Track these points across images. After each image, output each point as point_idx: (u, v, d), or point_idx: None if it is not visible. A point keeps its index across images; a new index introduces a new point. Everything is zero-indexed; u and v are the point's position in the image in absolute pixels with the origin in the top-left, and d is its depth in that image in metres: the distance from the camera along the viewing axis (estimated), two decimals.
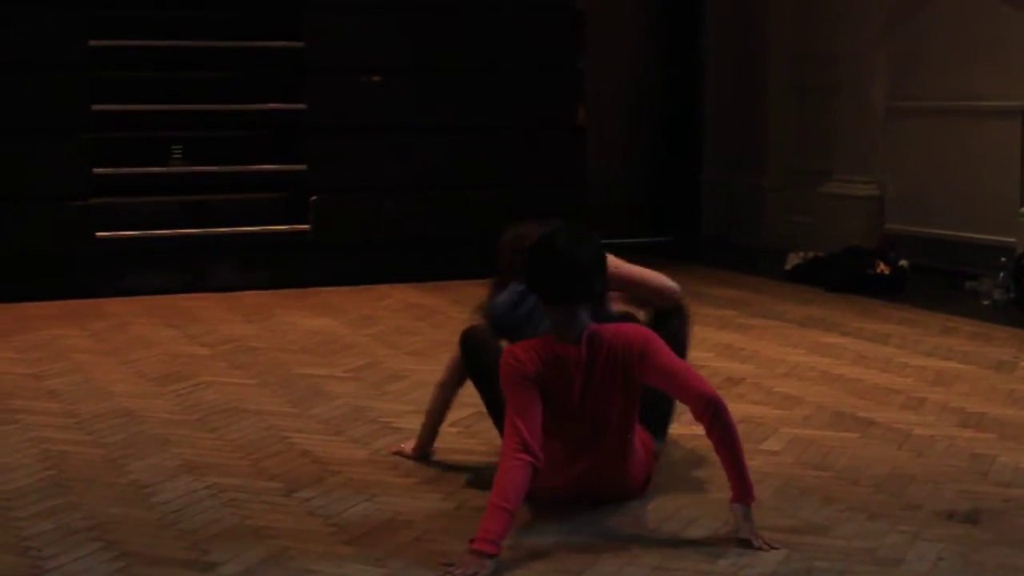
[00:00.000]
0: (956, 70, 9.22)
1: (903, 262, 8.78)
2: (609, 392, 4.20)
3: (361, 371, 6.36)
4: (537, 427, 4.04)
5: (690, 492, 4.47)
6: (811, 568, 3.79)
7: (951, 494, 4.44)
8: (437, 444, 4.98)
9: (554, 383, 4.16)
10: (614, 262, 4.56)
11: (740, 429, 4.14)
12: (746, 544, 3.95)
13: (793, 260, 9.10)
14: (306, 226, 8.98)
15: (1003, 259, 8.15)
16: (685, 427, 4.88)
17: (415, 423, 5.33)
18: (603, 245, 4.27)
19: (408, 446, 4.94)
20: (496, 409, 4.55)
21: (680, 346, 4.64)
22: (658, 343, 4.22)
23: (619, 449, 4.28)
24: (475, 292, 8.62)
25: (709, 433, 4.08)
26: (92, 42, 8.56)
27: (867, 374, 6.21)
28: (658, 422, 4.71)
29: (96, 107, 8.58)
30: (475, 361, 4.73)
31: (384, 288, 8.81)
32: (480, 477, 4.58)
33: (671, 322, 4.75)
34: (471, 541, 3.82)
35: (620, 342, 4.20)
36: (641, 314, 4.80)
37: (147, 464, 4.81)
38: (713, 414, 4.05)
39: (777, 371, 6.31)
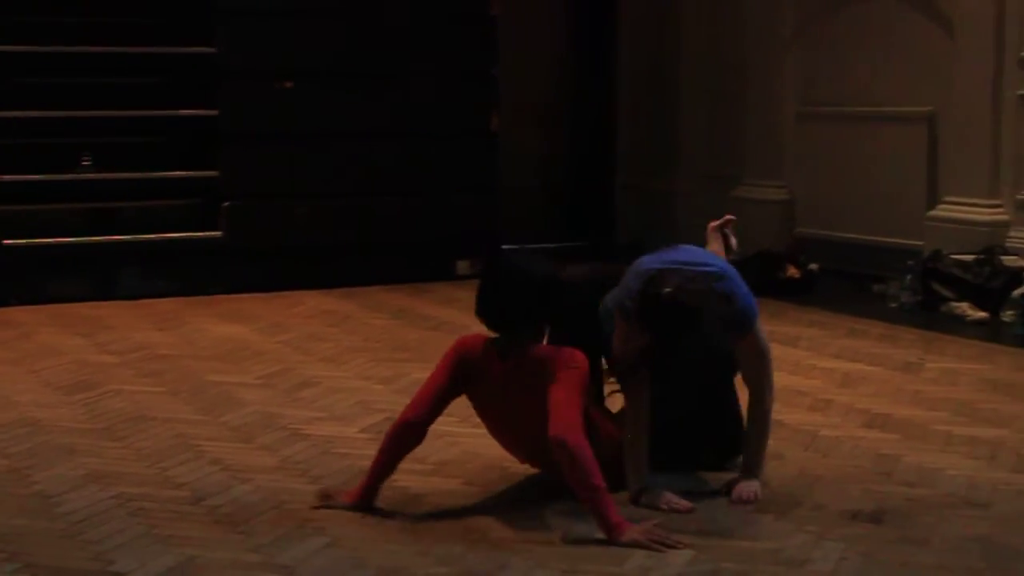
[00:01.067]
0: (864, 76, 9.34)
1: (813, 265, 8.88)
2: (527, 402, 4.26)
3: (272, 378, 6.32)
4: (430, 395, 4.43)
5: None
6: (718, 570, 3.82)
7: (856, 494, 4.49)
8: (346, 450, 4.96)
9: (473, 370, 4.40)
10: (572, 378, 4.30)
11: None
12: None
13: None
14: (218, 233, 8.92)
15: (910, 262, 8.26)
16: None
17: (326, 430, 5.33)
18: (550, 279, 4.34)
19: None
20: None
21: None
22: (582, 372, 4.22)
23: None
24: (387, 298, 8.65)
25: None
26: None
27: (776, 376, 6.22)
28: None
29: (2, 114, 8.47)
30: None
31: (296, 295, 8.77)
32: (390, 485, 4.56)
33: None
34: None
35: (551, 356, 4.27)
36: None
37: (52, 474, 4.75)
38: (556, 449, 4.06)
39: None
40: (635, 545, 3.96)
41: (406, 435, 4.41)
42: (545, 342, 4.49)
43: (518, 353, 4.34)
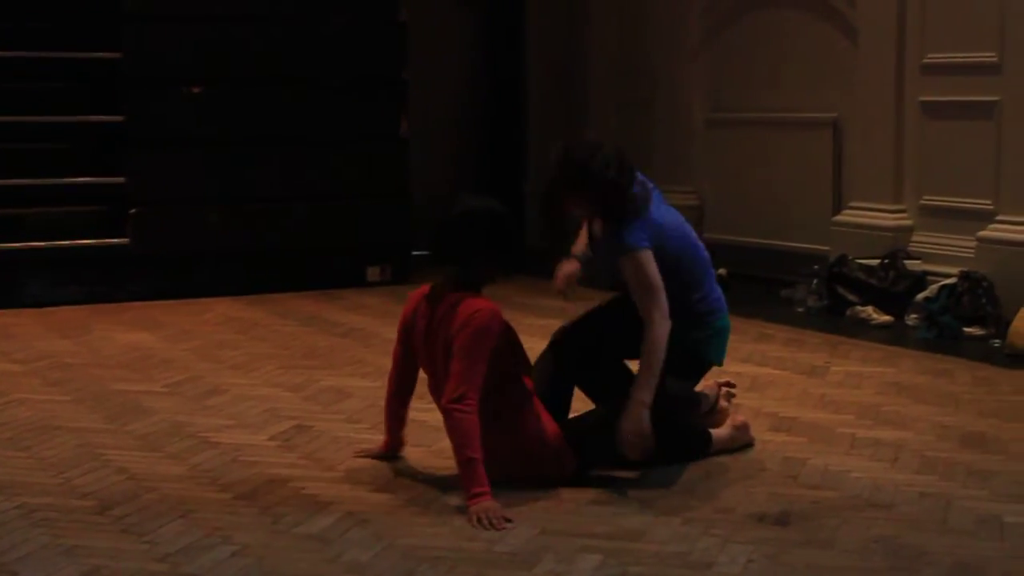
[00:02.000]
0: (770, 83, 9.45)
1: (721, 270, 8.93)
2: (436, 351, 4.49)
3: (180, 386, 6.27)
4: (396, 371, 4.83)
5: (505, 503, 4.48)
6: (625, 573, 3.84)
7: (762, 497, 4.53)
8: (255, 458, 4.94)
9: (412, 329, 4.66)
10: (642, 264, 4.71)
11: None
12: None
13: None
14: (125, 239, 8.83)
15: (816, 267, 8.37)
16: None
17: (235, 437, 5.30)
18: (511, 229, 4.61)
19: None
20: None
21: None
22: (477, 332, 4.37)
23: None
24: (297, 305, 8.61)
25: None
26: None
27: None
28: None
29: None
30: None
31: (205, 302, 8.71)
32: (298, 493, 4.55)
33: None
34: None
35: (460, 311, 4.43)
36: None
37: None
38: (444, 417, 4.39)
39: None
40: (470, 520, 4.22)
41: (395, 388, 4.87)
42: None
43: (448, 298, 4.50)
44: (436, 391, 4.59)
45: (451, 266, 4.59)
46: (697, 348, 4.97)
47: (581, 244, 5.20)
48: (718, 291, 5.05)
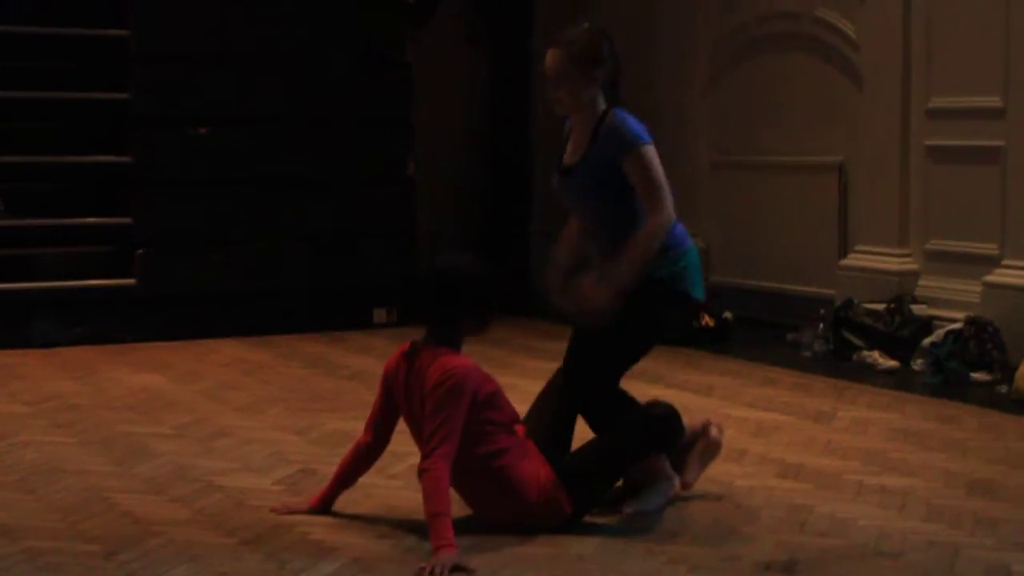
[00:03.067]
0: (776, 126, 9.47)
1: (727, 314, 8.96)
2: (415, 408, 4.53)
3: (186, 428, 6.27)
4: (372, 417, 4.77)
5: (507, 553, 4.47)
6: None
7: (769, 545, 4.52)
8: (261, 502, 4.94)
9: (393, 386, 4.66)
10: (650, 159, 4.77)
11: None
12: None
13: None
14: (131, 280, 8.84)
15: (822, 311, 8.36)
16: None
17: (241, 481, 5.30)
18: (484, 286, 4.60)
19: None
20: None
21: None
22: (449, 391, 4.39)
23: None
24: (303, 347, 8.61)
25: None
26: None
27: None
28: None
29: None
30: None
31: (211, 343, 8.72)
32: (303, 538, 4.54)
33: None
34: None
35: (433, 370, 4.46)
36: None
37: None
38: (419, 475, 4.40)
39: None
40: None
41: (358, 456, 4.82)
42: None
43: (423, 356, 4.52)
44: (420, 446, 4.60)
45: (426, 325, 4.61)
46: (675, 283, 4.87)
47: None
48: (680, 225, 4.97)
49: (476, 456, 4.47)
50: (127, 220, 8.89)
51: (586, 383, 4.89)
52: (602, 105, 4.91)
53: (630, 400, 4.94)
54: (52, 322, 8.66)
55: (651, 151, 4.80)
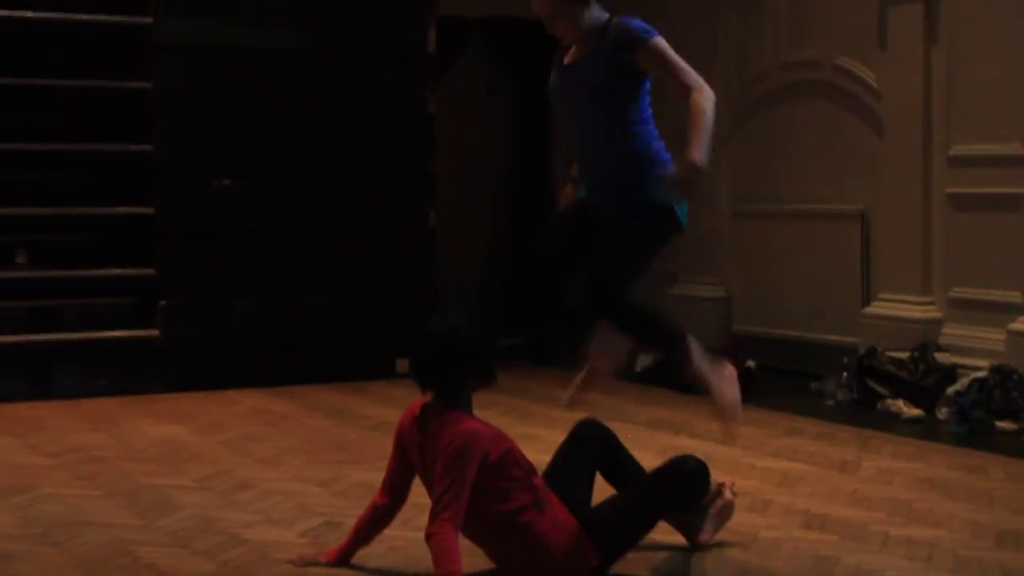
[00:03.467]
0: (797, 175, 9.48)
1: (750, 363, 8.93)
2: (430, 469, 4.48)
3: (209, 480, 6.27)
4: (388, 477, 4.74)
5: None
6: None
7: None
8: (285, 555, 4.93)
9: (407, 445, 4.62)
10: (667, 46, 4.78)
11: None
12: None
13: (643, 362, 9.20)
14: (154, 331, 8.87)
15: (845, 359, 8.34)
16: None
17: (265, 533, 5.29)
18: (483, 341, 4.56)
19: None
20: None
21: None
22: (456, 454, 4.36)
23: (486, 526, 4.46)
24: (325, 397, 8.61)
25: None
26: None
27: (714, 476, 6.26)
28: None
29: None
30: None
31: (233, 393, 8.73)
32: None
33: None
34: None
35: (442, 436, 4.42)
36: None
37: None
38: (426, 539, 4.35)
39: None
40: None
41: (374, 516, 4.78)
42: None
43: (433, 422, 4.49)
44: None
45: (432, 390, 4.58)
46: (663, 189, 4.84)
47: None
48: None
49: (498, 513, 4.45)
50: (150, 271, 8.91)
51: (613, 287, 4.89)
52: (602, 15, 4.91)
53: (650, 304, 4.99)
54: (75, 373, 8.68)
55: (664, 42, 4.79)
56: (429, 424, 4.51)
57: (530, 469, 4.62)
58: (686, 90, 4.74)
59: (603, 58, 4.84)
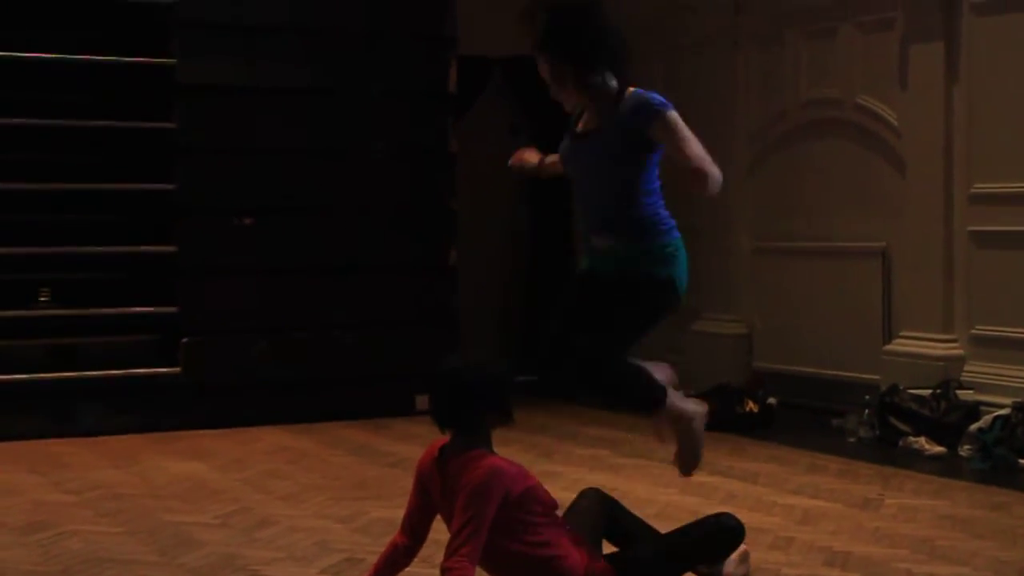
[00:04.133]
0: (819, 212, 9.48)
1: (771, 400, 8.92)
2: (453, 509, 4.41)
3: (231, 517, 6.27)
4: (407, 517, 4.62)
5: None
6: None
7: None
8: None
9: (428, 485, 4.55)
10: (679, 120, 4.74)
11: None
12: None
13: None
14: (177, 368, 8.90)
15: (867, 397, 8.32)
16: None
17: (286, 570, 5.29)
18: (499, 380, 4.50)
19: None
20: None
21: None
22: (475, 492, 4.32)
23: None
24: (346, 434, 8.62)
25: None
26: None
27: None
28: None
29: None
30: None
31: (255, 431, 8.74)
32: None
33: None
34: None
35: (463, 474, 4.38)
36: None
37: None
38: (442, 574, 4.27)
39: (648, 511, 6.27)
40: None
41: (393, 556, 4.67)
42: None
43: (452, 463, 4.44)
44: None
45: (450, 431, 4.54)
46: (667, 261, 4.85)
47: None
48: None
49: (525, 544, 4.41)
50: (173, 309, 8.95)
51: (602, 366, 4.85)
52: (612, 84, 4.86)
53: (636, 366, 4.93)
54: (98, 411, 8.71)
55: (677, 115, 4.76)
56: (448, 465, 4.47)
57: (552, 505, 4.61)
58: (690, 158, 4.69)
59: (618, 130, 4.81)
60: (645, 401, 4.99)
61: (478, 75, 10.87)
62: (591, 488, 5.04)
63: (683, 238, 4.96)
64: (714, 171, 4.67)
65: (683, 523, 4.94)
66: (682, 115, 4.84)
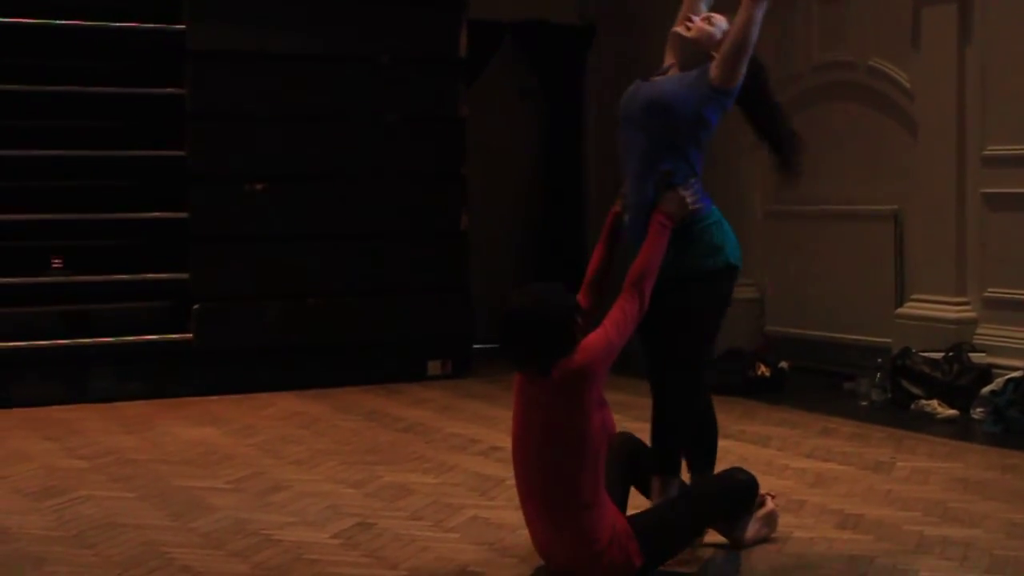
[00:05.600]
0: (831, 176, 9.43)
1: (783, 363, 8.91)
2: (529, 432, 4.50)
3: (243, 482, 6.29)
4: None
5: None
6: None
7: None
8: (317, 556, 4.94)
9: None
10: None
11: None
12: None
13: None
14: (189, 335, 8.90)
15: (879, 360, 8.31)
16: None
17: (298, 535, 5.30)
18: (567, 312, 4.50)
19: None
20: None
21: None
22: (592, 377, 4.44)
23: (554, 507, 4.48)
24: (358, 399, 8.64)
25: None
26: None
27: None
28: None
29: None
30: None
31: (267, 396, 8.75)
32: None
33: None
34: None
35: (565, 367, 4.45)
36: None
37: None
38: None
39: None
40: None
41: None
42: None
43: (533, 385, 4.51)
44: (526, 483, 4.59)
45: (520, 367, 4.55)
46: (713, 238, 4.98)
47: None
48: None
49: (561, 497, 4.47)
50: (184, 276, 8.95)
51: (685, 377, 4.95)
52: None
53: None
54: (110, 377, 8.73)
55: None
56: (535, 381, 4.51)
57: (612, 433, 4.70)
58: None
59: (681, 82, 4.97)
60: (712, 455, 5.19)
61: (489, 39, 10.83)
62: (623, 432, 5.03)
63: None
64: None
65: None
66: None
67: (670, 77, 5.06)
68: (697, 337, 4.96)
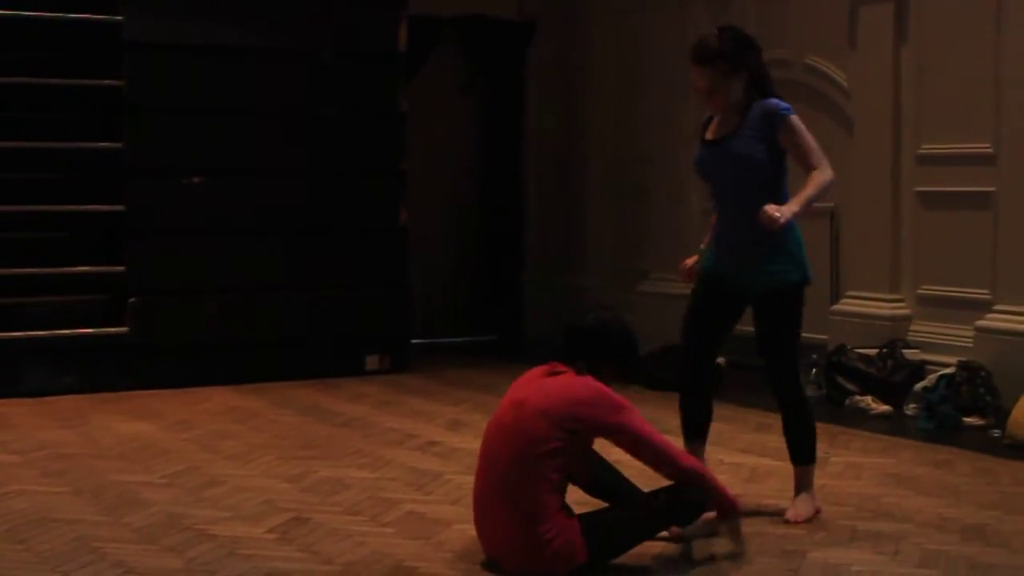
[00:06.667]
0: None
1: (719, 359, 8.92)
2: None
3: (178, 477, 6.25)
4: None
5: None
6: None
7: None
8: (252, 551, 4.92)
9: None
10: (799, 127, 5.38)
11: None
12: None
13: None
14: (124, 329, 8.84)
15: (814, 356, 8.37)
16: None
17: (233, 529, 5.28)
18: (632, 344, 4.95)
19: None
20: None
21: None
22: (583, 420, 4.66)
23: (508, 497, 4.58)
24: (296, 394, 8.61)
25: None
26: None
27: None
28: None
29: None
30: None
31: (204, 391, 8.70)
32: None
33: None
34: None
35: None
36: None
37: None
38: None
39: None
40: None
41: None
42: None
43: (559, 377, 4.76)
44: (491, 457, 4.71)
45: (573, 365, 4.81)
46: (797, 260, 5.53)
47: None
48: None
49: (521, 491, 4.57)
50: (120, 269, 8.88)
51: (789, 376, 5.71)
52: (740, 92, 5.35)
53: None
54: (44, 371, 8.64)
55: (798, 119, 5.35)
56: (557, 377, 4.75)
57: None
58: (810, 167, 5.31)
59: (752, 132, 5.30)
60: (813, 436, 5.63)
61: (428, 34, 10.82)
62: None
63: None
64: (830, 172, 5.36)
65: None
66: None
67: (732, 138, 5.38)
68: (792, 343, 5.77)
